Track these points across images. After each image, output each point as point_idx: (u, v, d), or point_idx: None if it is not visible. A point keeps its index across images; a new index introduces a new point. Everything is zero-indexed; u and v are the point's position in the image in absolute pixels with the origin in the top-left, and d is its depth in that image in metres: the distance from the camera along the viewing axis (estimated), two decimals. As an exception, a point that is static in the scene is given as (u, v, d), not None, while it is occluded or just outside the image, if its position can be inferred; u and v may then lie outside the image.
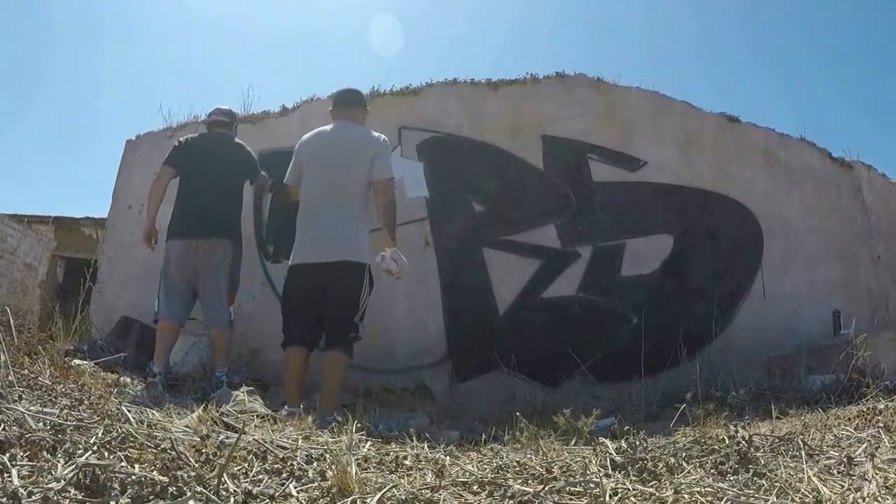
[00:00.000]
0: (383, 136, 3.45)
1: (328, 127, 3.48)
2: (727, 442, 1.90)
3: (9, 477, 1.12)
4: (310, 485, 1.44)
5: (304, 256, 3.32)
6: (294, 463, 1.59)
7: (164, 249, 3.96)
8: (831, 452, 1.80)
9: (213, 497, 1.21)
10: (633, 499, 1.43)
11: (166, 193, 4.04)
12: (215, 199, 3.94)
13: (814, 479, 1.49)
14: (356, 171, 3.30)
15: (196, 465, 1.41)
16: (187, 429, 1.83)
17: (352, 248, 3.24)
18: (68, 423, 1.50)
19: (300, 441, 1.95)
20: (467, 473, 1.68)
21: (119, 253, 5.35)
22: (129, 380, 3.37)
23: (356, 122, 3.50)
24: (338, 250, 3.23)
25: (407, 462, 1.82)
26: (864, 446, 1.82)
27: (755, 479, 1.54)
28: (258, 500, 1.30)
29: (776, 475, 1.55)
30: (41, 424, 1.45)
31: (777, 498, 1.39)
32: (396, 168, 5.03)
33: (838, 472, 1.59)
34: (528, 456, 1.95)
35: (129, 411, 1.80)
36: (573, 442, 2.36)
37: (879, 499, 1.36)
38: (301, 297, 3.33)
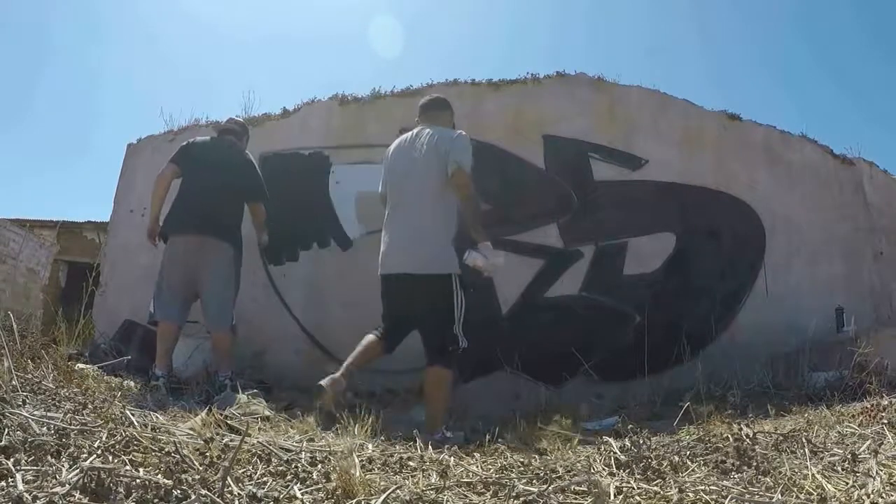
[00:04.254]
0: (459, 131, 3.25)
1: (409, 133, 3.32)
2: (731, 440, 1.89)
3: (13, 482, 1.13)
4: (314, 487, 1.44)
5: (387, 267, 3.18)
6: (298, 465, 1.59)
7: (164, 248, 3.97)
8: (835, 449, 1.79)
9: (217, 500, 1.21)
10: (637, 497, 1.43)
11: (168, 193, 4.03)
12: (217, 200, 3.93)
13: (818, 476, 1.49)
14: (431, 172, 3.09)
15: (200, 469, 1.41)
16: (191, 432, 1.83)
17: (430, 258, 3.05)
18: (72, 427, 1.50)
19: (304, 443, 1.95)
20: (471, 474, 1.68)
21: (122, 256, 5.36)
22: (132, 383, 3.37)
23: (438, 124, 3.30)
24: (417, 262, 3.07)
25: (412, 463, 1.82)
26: (867, 443, 1.82)
27: (759, 476, 1.54)
28: (263, 503, 1.30)
29: (780, 472, 1.55)
30: (45, 429, 1.45)
31: (781, 495, 1.39)
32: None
33: (842, 469, 1.59)
34: (532, 455, 1.95)
35: (132, 415, 1.80)
36: (576, 441, 2.36)
37: (884, 495, 1.36)
38: (393, 307, 3.21)
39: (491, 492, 1.53)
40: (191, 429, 1.89)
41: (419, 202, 3.11)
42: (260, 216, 4.27)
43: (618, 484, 1.49)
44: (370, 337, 3.15)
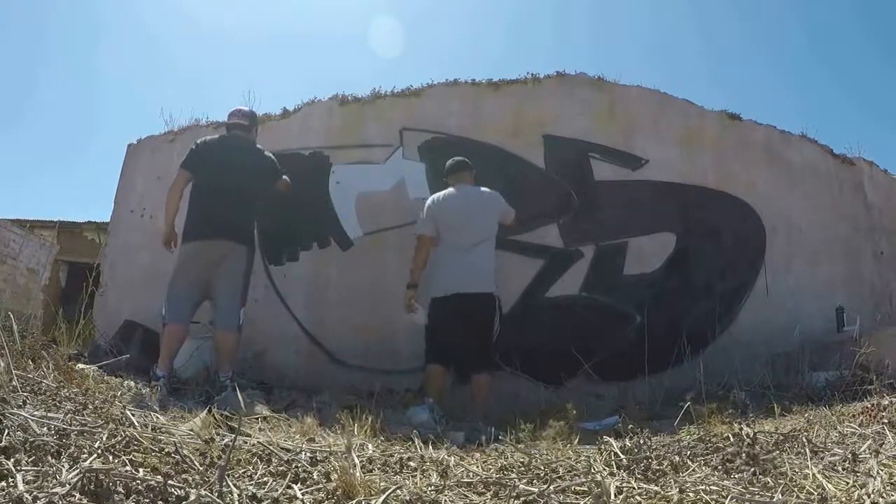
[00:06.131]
0: (485, 188, 4.26)
1: (453, 190, 4.22)
2: (731, 440, 1.89)
3: (14, 482, 1.13)
4: (314, 487, 1.44)
5: (455, 288, 3.94)
6: (298, 465, 1.59)
7: (179, 253, 3.96)
8: (836, 449, 1.79)
9: (217, 500, 1.21)
10: (638, 497, 1.43)
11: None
12: (231, 203, 3.92)
13: (818, 475, 1.48)
14: (489, 220, 4.14)
15: (200, 469, 1.41)
16: (191, 432, 1.83)
17: (490, 280, 3.99)
18: (72, 427, 1.50)
19: (304, 443, 1.95)
20: (472, 474, 1.68)
21: (122, 257, 5.36)
22: (133, 384, 3.37)
23: (469, 182, 4.28)
24: (482, 282, 3.97)
25: (412, 463, 1.82)
26: (868, 443, 1.82)
27: (760, 476, 1.54)
28: (263, 503, 1.30)
29: (781, 472, 1.55)
30: (45, 429, 1.45)
31: (782, 495, 1.39)
32: (399, 169, 5.07)
33: (843, 469, 1.59)
34: (533, 455, 1.95)
35: (133, 415, 1.80)
36: (576, 441, 2.36)
37: (884, 495, 1.36)
38: (450, 324, 3.92)
39: (491, 492, 1.53)
40: (191, 429, 1.89)
41: (481, 243, 4.05)
42: (285, 187, 4.35)
43: (618, 484, 1.48)
44: (436, 373, 3.91)
